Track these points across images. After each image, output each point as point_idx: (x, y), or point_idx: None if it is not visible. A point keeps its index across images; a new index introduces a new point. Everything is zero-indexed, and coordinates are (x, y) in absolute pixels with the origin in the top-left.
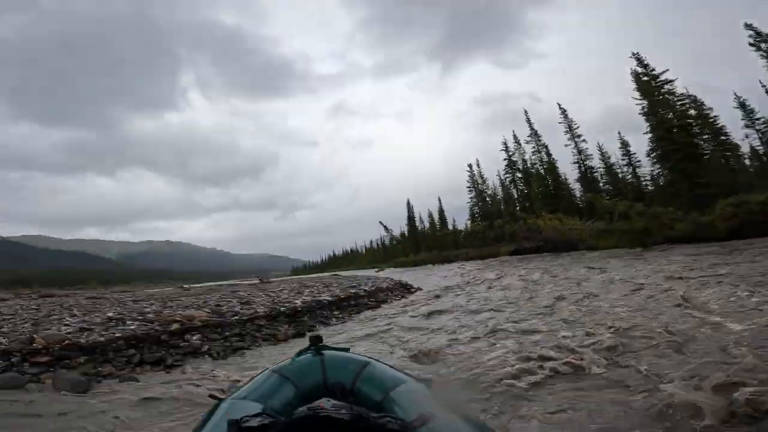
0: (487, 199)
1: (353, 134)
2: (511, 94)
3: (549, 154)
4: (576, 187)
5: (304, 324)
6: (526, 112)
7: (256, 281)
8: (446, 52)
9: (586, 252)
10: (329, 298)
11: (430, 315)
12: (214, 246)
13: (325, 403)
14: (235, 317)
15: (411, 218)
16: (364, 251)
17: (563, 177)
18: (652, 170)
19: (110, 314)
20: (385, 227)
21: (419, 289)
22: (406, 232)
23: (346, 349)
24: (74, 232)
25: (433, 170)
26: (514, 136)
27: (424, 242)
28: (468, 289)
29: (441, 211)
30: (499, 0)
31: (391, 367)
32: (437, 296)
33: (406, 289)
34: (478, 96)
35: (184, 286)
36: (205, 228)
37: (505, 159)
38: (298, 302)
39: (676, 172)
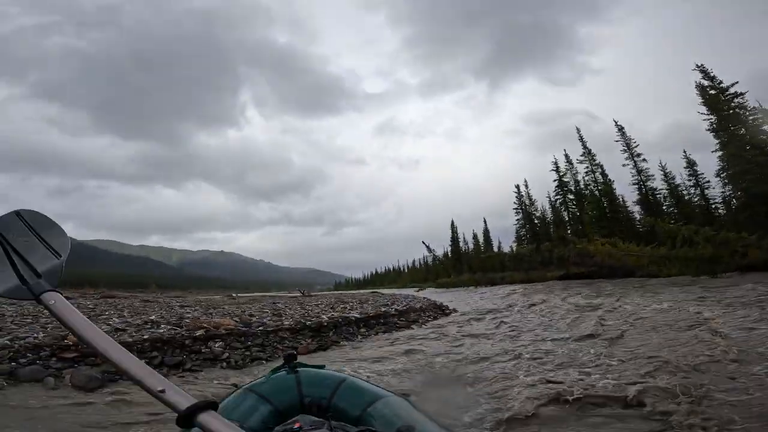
0: (536, 221)
1: (401, 152)
2: (563, 112)
3: (605, 175)
4: (635, 210)
5: (328, 339)
6: (578, 129)
7: (298, 294)
8: (493, 69)
9: (644, 279)
10: (358, 315)
11: (458, 340)
12: (263, 258)
13: (302, 420)
14: (260, 328)
15: (455, 238)
16: (406, 270)
17: (620, 199)
18: (723, 192)
19: (153, 317)
20: (427, 247)
21: (454, 310)
22: (449, 253)
23: (322, 366)
24: (141, 238)
25: (480, 190)
26: (566, 155)
27: (467, 263)
28: (506, 314)
29: (486, 232)
30: (547, 15)
31: (369, 382)
32: (472, 319)
33: (440, 310)
34: (527, 114)
35: (233, 294)
36: (256, 240)
37: (555, 180)
38: (325, 317)
39: (750, 195)
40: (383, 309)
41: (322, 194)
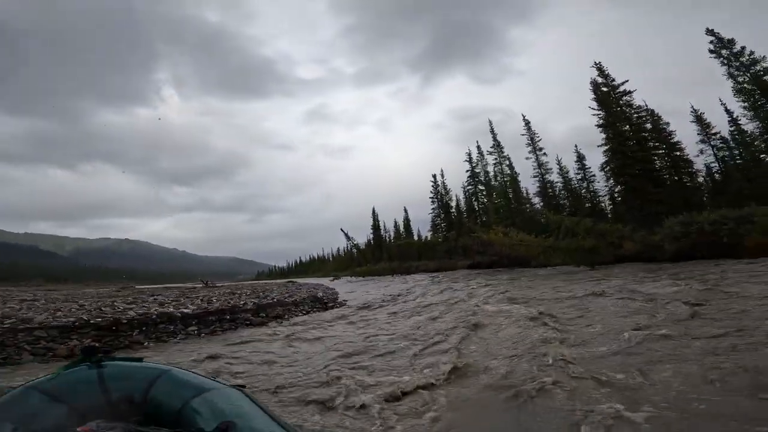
0: (451, 211)
1: (331, 140)
2: (487, 109)
3: (512, 167)
4: (536, 202)
5: (127, 338)
6: (490, 122)
7: (200, 284)
8: (427, 64)
9: (539, 269)
10: (188, 310)
11: (296, 341)
12: (178, 246)
13: (93, 426)
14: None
15: (376, 227)
16: (331, 259)
17: (525, 191)
18: (606, 185)
19: None
20: (346, 234)
21: (341, 303)
22: (371, 241)
23: (139, 359)
24: (25, 225)
25: (407, 180)
26: (478, 147)
27: (386, 251)
28: (389, 307)
29: (407, 221)
30: (483, 16)
31: (196, 374)
32: (343, 316)
33: (321, 303)
34: (454, 109)
35: (135, 286)
36: (168, 227)
37: (468, 170)
38: (133, 313)
39: (629, 188)
40: (232, 302)
41: (245, 180)
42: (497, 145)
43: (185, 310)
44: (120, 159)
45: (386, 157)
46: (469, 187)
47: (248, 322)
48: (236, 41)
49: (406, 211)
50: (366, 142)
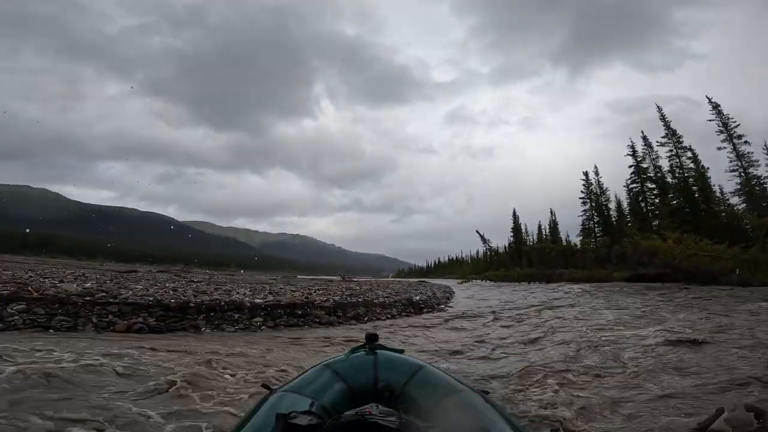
0: (609, 213)
1: (472, 142)
2: (659, 99)
3: (696, 160)
4: (738, 202)
5: (187, 322)
6: (659, 109)
7: (338, 278)
8: (573, 55)
9: (734, 288)
10: (260, 301)
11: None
12: (334, 242)
13: (374, 409)
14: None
15: (517, 229)
16: (470, 260)
17: (718, 189)
18: None
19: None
20: (482, 237)
21: (442, 309)
22: (512, 244)
23: (401, 351)
24: (229, 220)
25: (558, 180)
26: (644, 138)
27: (527, 256)
28: (491, 325)
29: (553, 224)
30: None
31: (447, 373)
32: (436, 326)
33: (416, 307)
34: (615, 101)
35: (298, 276)
36: (330, 225)
37: (631, 165)
38: (195, 300)
39: None
40: (313, 297)
41: (392, 182)
42: (672, 135)
43: (257, 301)
44: (293, 165)
45: (532, 157)
46: (634, 185)
47: (318, 321)
48: (373, 51)
49: (552, 213)
50: (509, 142)
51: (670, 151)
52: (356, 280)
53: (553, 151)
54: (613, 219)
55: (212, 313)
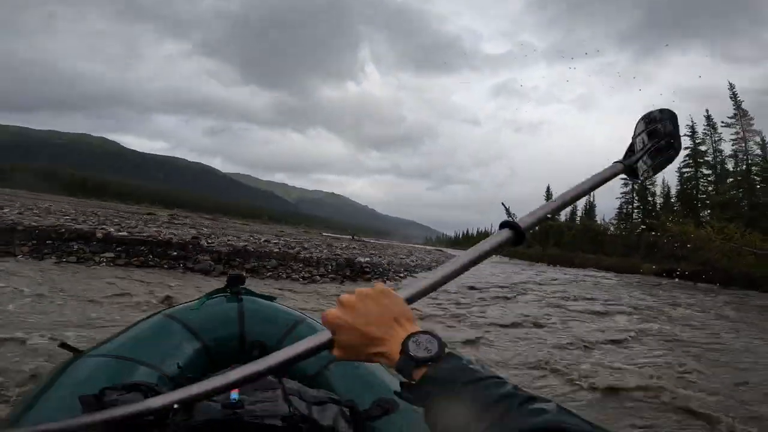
0: (653, 199)
1: (519, 116)
2: (739, 90)
3: (766, 148)
4: None
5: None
6: (731, 86)
7: (348, 237)
8: (644, 37)
9: None
10: (122, 234)
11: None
12: (368, 204)
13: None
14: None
15: None
16: None
17: None
18: None
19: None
20: (507, 210)
21: (397, 279)
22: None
23: (272, 298)
24: (269, 175)
25: (608, 162)
26: (707, 117)
27: (554, 236)
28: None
29: (589, 206)
30: None
31: None
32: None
33: (356, 270)
34: (686, 89)
35: (321, 233)
36: (365, 186)
37: (688, 148)
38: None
39: None
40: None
41: (432, 150)
42: (742, 116)
43: (119, 233)
44: (334, 126)
45: (582, 137)
46: (687, 169)
47: (191, 267)
48: (421, 19)
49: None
50: (559, 120)
51: (736, 134)
52: (368, 241)
53: (606, 133)
54: (657, 206)
55: (49, 242)
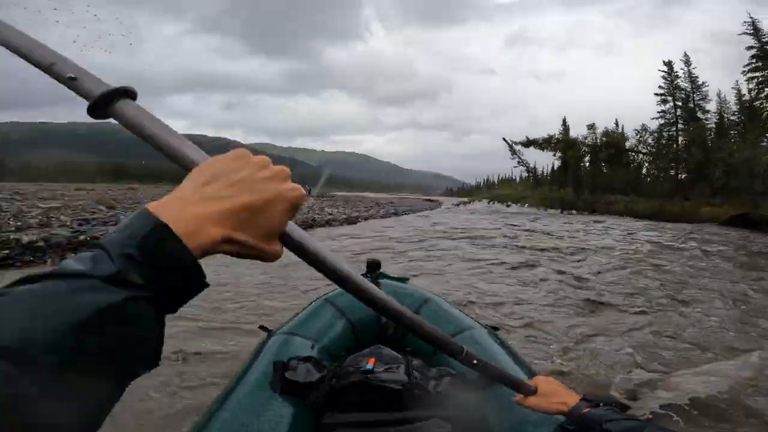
0: (705, 116)
1: (538, 65)
2: None
3: None
4: None
5: None
6: None
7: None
8: None
9: None
10: None
11: None
12: (390, 160)
13: (377, 354)
14: None
15: (566, 142)
16: (519, 180)
17: None
18: None
19: None
20: (510, 146)
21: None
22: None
23: (406, 279)
24: (289, 140)
25: (638, 109)
26: None
27: (573, 176)
28: None
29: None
30: None
31: (455, 307)
32: None
33: None
34: (718, 31)
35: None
36: (385, 143)
37: (751, 47)
38: None
39: None
40: None
41: (449, 102)
42: None
43: None
44: (347, 86)
45: (607, 85)
46: (755, 74)
47: None
48: None
49: (617, 124)
50: (581, 67)
51: None
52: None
53: (632, 81)
54: (712, 126)
55: None
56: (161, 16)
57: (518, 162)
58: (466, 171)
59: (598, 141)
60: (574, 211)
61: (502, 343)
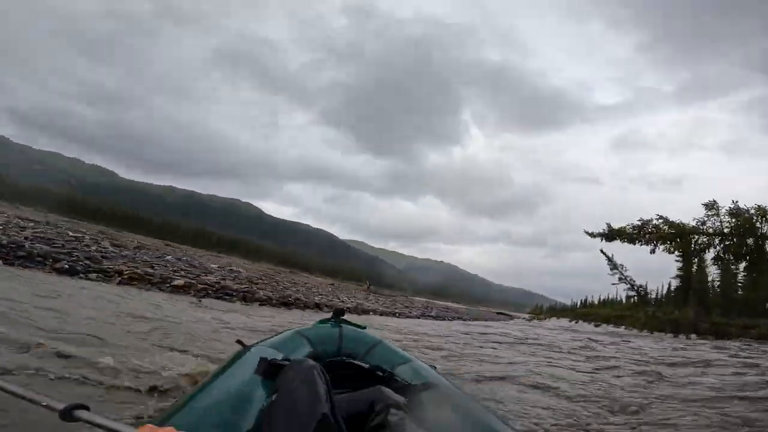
0: None
1: (650, 170)
2: None
3: None
4: None
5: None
6: None
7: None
8: None
9: None
10: None
11: None
12: (478, 273)
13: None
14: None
15: (686, 256)
16: (623, 301)
17: None
18: None
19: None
20: (608, 258)
21: None
22: (670, 282)
23: (364, 327)
24: (382, 242)
25: None
26: None
27: (698, 295)
28: None
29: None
30: None
31: (400, 349)
32: None
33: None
34: None
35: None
36: (475, 255)
37: None
38: None
39: None
40: None
41: (546, 213)
42: None
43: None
44: (442, 192)
45: (738, 188)
46: None
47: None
48: (520, 77)
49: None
50: (703, 170)
51: None
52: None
53: (764, 177)
54: None
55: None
56: (295, 105)
57: (620, 278)
58: (558, 289)
59: (724, 226)
60: (693, 335)
61: (440, 375)
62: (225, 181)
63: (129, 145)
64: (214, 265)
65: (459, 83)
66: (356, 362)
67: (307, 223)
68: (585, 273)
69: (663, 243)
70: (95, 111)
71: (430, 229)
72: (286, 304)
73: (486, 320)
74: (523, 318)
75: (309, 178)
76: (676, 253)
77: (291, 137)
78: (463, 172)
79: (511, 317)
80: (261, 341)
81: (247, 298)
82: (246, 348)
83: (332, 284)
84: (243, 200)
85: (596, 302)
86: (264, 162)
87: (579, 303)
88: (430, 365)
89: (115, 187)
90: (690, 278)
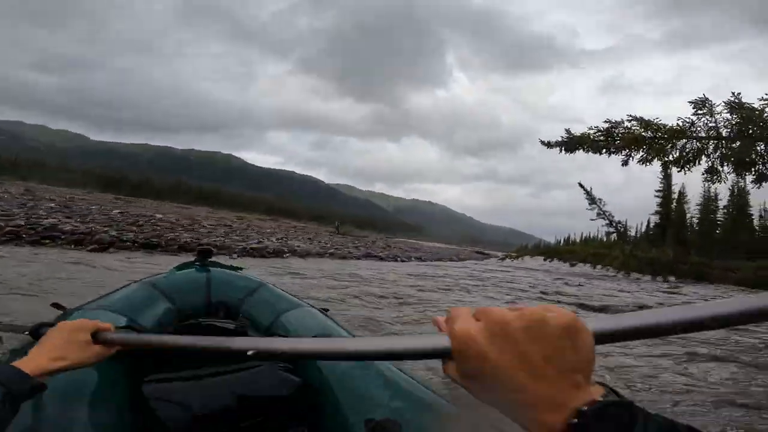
0: None
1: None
2: None
3: None
4: None
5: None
6: None
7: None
8: None
9: None
10: None
11: None
12: (465, 212)
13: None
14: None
15: (666, 194)
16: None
17: None
18: None
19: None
20: (587, 192)
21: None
22: (650, 219)
23: (239, 269)
24: (368, 185)
25: None
26: None
27: (676, 234)
28: None
29: (738, 191)
30: None
31: (286, 292)
32: None
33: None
34: None
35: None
36: (462, 194)
37: None
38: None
39: None
40: None
41: (532, 154)
42: None
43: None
44: (427, 133)
45: None
46: None
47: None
48: (504, 21)
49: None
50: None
51: None
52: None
53: None
54: None
55: None
56: (270, 55)
57: (598, 214)
58: (543, 227)
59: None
60: (672, 278)
61: (332, 320)
62: (204, 135)
63: (97, 108)
64: (116, 211)
65: (442, 27)
66: (219, 324)
67: (292, 170)
68: (567, 211)
69: (638, 149)
70: (57, 78)
71: (416, 170)
72: (150, 246)
73: (451, 260)
74: (497, 258)
75: (292, 125)
76: (656, 163)
77: (269, 87)
78: (448, 113)
79: (488, 256)
80: (91, 301)
81: (82, 241)
82: (67, 312)
83: (295, 227)
84: (224, 152)
85: (578, 240)
86: (243, 113)
87: (562, 241)
88: (322, 309)
89: (84, 150)
90: (669, 215)
